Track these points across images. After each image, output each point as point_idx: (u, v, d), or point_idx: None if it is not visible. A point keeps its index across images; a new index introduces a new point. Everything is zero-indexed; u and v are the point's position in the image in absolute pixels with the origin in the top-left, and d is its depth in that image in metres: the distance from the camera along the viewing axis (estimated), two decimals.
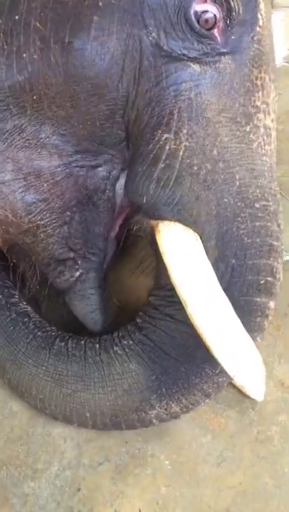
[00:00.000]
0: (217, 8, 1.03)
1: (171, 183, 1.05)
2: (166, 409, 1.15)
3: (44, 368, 1.18)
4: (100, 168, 1.13)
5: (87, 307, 1.27)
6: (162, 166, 1.05)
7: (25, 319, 1.26)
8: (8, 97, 1.03)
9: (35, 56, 1.00)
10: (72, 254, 1.22)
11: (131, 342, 1.17)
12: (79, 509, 1.15)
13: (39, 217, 1.14)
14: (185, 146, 1.05)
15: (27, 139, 1.07)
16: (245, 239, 1.09)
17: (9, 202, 1.12)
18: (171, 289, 1.10)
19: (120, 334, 1.20)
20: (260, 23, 1.08)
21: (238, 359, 1.03)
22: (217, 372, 1.13)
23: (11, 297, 1.31)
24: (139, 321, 1.20)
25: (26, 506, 1.15)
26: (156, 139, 1.05)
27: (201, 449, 1.24)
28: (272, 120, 1.16)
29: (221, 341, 1.02)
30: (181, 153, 1.05)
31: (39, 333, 1.24)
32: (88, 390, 1.15)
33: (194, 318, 1.03)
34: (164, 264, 1.09)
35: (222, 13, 1.03)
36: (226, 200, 1.08)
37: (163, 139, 1.05)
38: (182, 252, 1.05)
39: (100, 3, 0.98)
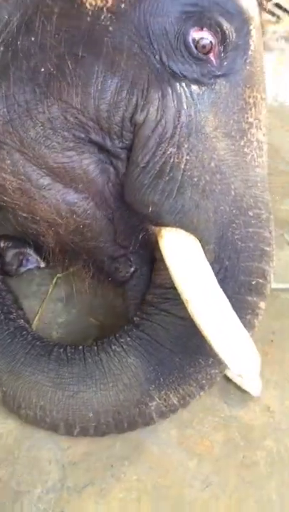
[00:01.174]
0: (212, 35, 1.12)
1: (174, 194, 1.14)
2: (165, 400, 1.19)
3: (45, 373, 1.20)
4: (124, 169, 1.19)
5: (137, 300, 1.35)
6: (167, 178, 1.14)
7: (24, 332, 1.30)
8: (29, 109, 1.11)
9: (51, 69, 1.09)
10: (123, 251, 1.32)
11: (128, 339, 1.24)
12: None
13: (84, 217, 1.22)
14: (186, 159, 1.14)
15: (53, 145, 1.14)
16: (239, 243, 1.18)
17: (53, 205, 1.19)
18: (166, 288, 1.23)
19: (117, 335, 1.26)
20: (252, 47, 1.19)
21: (236, 351, 1.09)
22: (210, 363, 1.19)
23: (10, 314, 1.35)
24: (136, 319, 1.27)
25: None
26: (162, 152, 1.13)
27: (187, 473, 1.23)
28: (263, 134, 1.25)
29: (219, 335, 1.09)
30: (182, 166, 1.14)
31: (38, 343, 1.27)
32: (90, 388, 1.18)
33: (195, 314, 1.10)
34: (161, 265, 1.22)
35: (217, 39, 1.13)
36: (222, 208, 1.17)
37: (168, 152, 1.13)
38: (183, 254, 1.14)
39: (110, 28, 1.09)
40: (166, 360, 1.20)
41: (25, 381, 1.20)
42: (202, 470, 1.24)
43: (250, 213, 1.19)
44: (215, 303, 1.11)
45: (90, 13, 1.09)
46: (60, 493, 1.18)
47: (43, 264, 1.62)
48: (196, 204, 1.15)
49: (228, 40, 1.13)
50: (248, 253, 1.20)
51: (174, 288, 1.16)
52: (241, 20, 1.15)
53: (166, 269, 1.19)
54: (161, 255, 1.19)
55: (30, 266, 1.63)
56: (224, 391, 1.39)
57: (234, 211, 1.18)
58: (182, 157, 1.14)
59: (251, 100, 1.21)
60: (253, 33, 1.18)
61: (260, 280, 1.21)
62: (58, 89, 1.10)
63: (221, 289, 1.12)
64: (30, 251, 1.61)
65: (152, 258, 1.34)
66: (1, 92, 1.11)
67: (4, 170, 1.17)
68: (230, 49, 1.15)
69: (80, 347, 1.26)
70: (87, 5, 1.09)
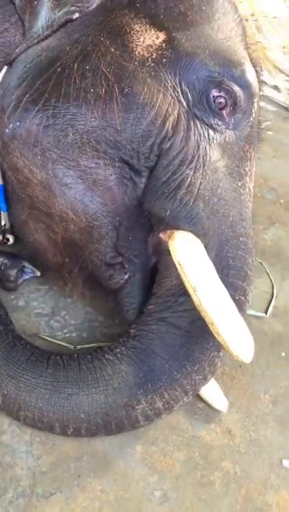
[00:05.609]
0: (227, 98, 1.44)
1: (191, 203, 1.37)
2: (150, 403, 1.31)
3: (43, 377, 1.32)
4: (141, 185, 1.41)
5: (133, 305, 1.51)
6: (184, 191, 1.37)
7: (22, 342, 1.43)
8: (71, 119, 1.35)
9: (100, 92, 1.35)
10: (120, 259, 1.47)
11: (123, 348, 1.36)
12: None
13: (94, 218, 1.40)
14: (200, 181, 1.39)
15: (85, 151, 1.36)
16: (230, 261, 1.39)
17: (70, 202, 1.38)
18: (168, 296, 1.39)
19: (112, 346, 1.39)
20: (253, 115, 1.52)
21: (236, 332, 1.27)
22: (195, 369, 1.33)
23: (8, 325, 1.48)
24: (133, 330, 1.40)
25: None
26: (181, 172, 1.38)
27: (147, 488, 1.34)
28: (252, 186, 1.55)
29: (222, 318, 1.26)
30: (198, 184, 1.39)
31: (36, 351, 1.40)
32: (83, 391, 1.30)
33: (201, 300, 1.27)
34: (165, 274, 1.41)
35: (230, 101, 1.44)
36: (223, 227, 1.40)
37: (186, 173, 1.38)
38: (192, 251, 1.32)
39: (152, 73, 1.38)
40: (157, 366, 1.32)
41: (25, 384, 1.32)
42: (162, 486, 1.34)
43: (241, 239, 1.42)
44: (217, 291, 1.29)
45: (138, 59, 1.38)
46: (30, 498, 1.28)
47: (38, 273, 1.74)
48: (207, 216, 1.38)
49: (238, 105, 1.46)
50: (235, 271, 1.39)
51: (175, 295, 1.37)
52: (249, 94, 1.48)
53: (169, 277, 1.39)
54: (165, 265, 1.42)
55: (26, 276, 1.74)
56: (190, 412, 1.49)
57: (230, 233, 1.40)
58: (197, 179, 1.39)
59: (248, 154, 1.52)
60: (256, 104, 1.52)
61: (242, 297, 1.40)
62: (103, 109, 1.34)
63: (219, 280, 1.30)
64: (25, 263, 1.73)
65: (145, 267, 1.50)
66: (50, 102, 1.34)
67: (34, 164, 1.36)
68: (238, 111, 1.47)
69: (75, 355, 1.39)
70: (137, 53, 1.39)
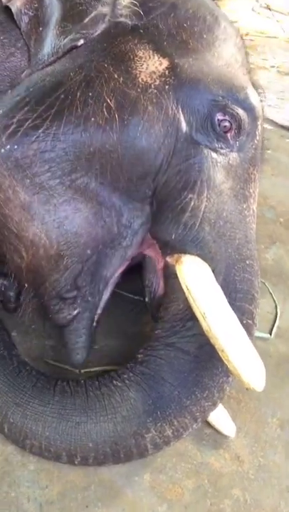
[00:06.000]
0: (232, 121, 1.44)
1: (196, 227, 1.37)
2: (160, 431, 1.29)
3: (50, 405, 1.30)
4: (124, 217, 1.41)
5: (77, 344, 1.47)
6: (189, 214, 1.38)
7: (28, 367, 1.40)
8: (70, 146, 1.33)
9: (100, 121, 1.34)
10: (75, 293, 1.43)
11: (131, 374, 1.34)
12: None
13: (66, 247, 1.37)
14: (205, 205, 1.39)
15: (76, 179, 1.35)
16: (238, 284, 1.38)
17: (46, 227, 1.35)
18: (176, 320, 1.37)
19: (119, 371, 1.37)
20: (258, 137, 1.53)
21: (246, 359, 1.24)
22: (205, 395, 1.31)
23: (12, 349, 1.45)
24: (140, 356, 1.38)
25: None
26: (183, 196, 1.39)
27: None
28: (255, 207, 1.54)
29: (232, 344, 1.24)
30: (202, 208, 1.39)
31: (42, 377, 1.37)
32: (91, 419, 1.28)
33: (210, 326, 1.24)
34: (172, 298, 1.39)
35: (235, 125, 1.45)
36: (230, 250, 1.40)
37: (188, 196, 1.38)
38: (200, 276, 1.31)
39: (154, 100, 1.37)
40: (166, 393, 1.29)
41: (32, 412, 1.29)
42: None
43: (247, 262, 1.41)
44: (227, 317, 1.27)
45: (141, 86, 1.38)
46: None
47: None
48: (213, 239, 1.37)
49: (242, 128, 1.46)
50: (243, 295, 1.37)
51: (183, 320, 1.35)
52: (253, 116, 1.49)
53: (176, 301, 1.37)
54: (172, 289, 1.40)
55: None
56: (198, 438, 1.47)
57: (237, 256, 1.40)
58: (201, 202, 1.39)
59: (252, 176, 1.51)
60: (260, 126, 1.53)
61: (250, 321, 1.37)
62: (102, 137, 1.34)
63: (228, 305, 1.29)
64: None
65: (96, 308, 1.46)
66: (51, 129, 1.32)
67: (21, 186, 1.34)
68: (242, 134, 1.47)
69: (82, 381, 1.36)
70: (140, 79, 1.38)
